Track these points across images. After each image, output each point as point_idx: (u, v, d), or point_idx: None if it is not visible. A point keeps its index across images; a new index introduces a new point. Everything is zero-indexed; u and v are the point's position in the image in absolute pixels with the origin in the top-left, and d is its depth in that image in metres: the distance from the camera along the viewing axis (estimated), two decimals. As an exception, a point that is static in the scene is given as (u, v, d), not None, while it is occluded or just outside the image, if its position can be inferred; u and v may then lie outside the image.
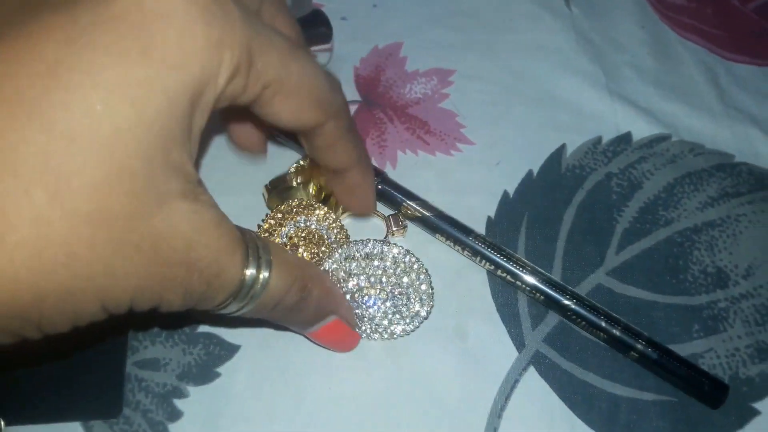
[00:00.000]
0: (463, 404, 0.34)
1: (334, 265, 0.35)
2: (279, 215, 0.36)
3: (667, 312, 0.37)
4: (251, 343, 0.35)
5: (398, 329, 0.35)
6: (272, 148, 0.40)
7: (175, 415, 0.33)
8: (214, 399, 0.33)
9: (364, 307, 0.35)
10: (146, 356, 0.34)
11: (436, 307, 0.36)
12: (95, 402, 0.32)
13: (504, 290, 0.37)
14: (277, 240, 0.36)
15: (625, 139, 0.43)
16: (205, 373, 0.34)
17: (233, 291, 0.24)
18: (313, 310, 0.30)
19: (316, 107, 0.25)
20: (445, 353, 0.35)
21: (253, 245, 0.24)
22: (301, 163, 0.38)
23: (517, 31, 0.47)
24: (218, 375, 0.34)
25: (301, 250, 0.36)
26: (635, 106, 0.44)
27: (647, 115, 0.44)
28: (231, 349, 0.35)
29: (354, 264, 0.35)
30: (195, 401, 0.33)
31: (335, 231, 0.36)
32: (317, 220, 0.36)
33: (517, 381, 0.35)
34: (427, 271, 0.36)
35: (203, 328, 0.35)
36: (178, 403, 0.33)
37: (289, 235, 0.36)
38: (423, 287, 0.35)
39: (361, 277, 0.35)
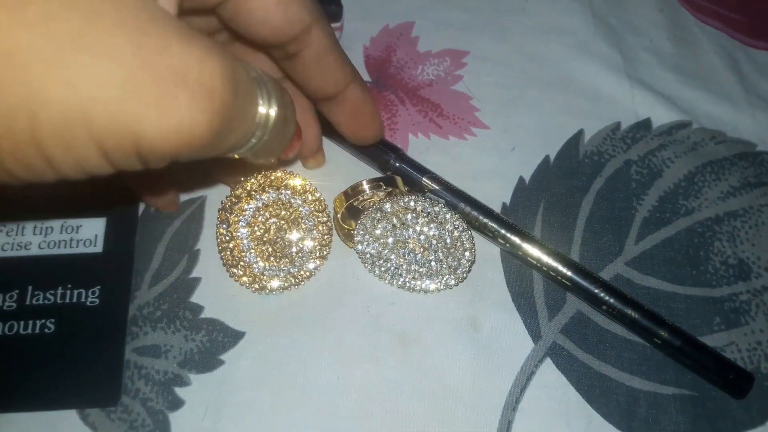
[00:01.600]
0: (477, 396, 0.33)
1: (393, 209, 0.34)
2: (262, 180, 0.35)
3: (688, 304, 0.36)
4: (256, 329, 0.33)
5: (431, 287, 0.35)
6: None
7: (176, 403, 0.31)
8: (217, 387, 0.32)
9: (409, 260, 0.35)
10: (146, 343, 0.32)
11: (449, 297, 0.35)
12: (92, 389, 0.31)
13: (519, 280, 0.36)
14: (252, 202, 0.34)
15: (644, 125, 0.41)
16: (207, 361, 0.33)
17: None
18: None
19: (299, 4, 0.23)
20: (459, 343, 0.34)
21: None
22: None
23: (532, 13, 0.46)
24: (221, 363, 0.33)
25: (273, 219, 0.35)
26: (654, 91, 0.43)
27: (667, 101, 0.42)
28: (235, 336, 0.33)
29: (410, 215, 0.34)
30: (197, 389, 0.32)
31: (315, 218, 0.35)
32: (303, 201, 0.35)
33: (533, 373, 0.33)
34: (474, 247, 0.35)
35: (206, 314, 0.34)
36: (179, 391, 0.32)
37: (266, 202, 0.35)
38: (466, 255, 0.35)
39: (411, 230, 0.34)
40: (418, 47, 0.43)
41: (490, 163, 0.39)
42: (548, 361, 0.34)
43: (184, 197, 0.36)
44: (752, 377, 0.33)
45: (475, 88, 0.42)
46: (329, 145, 0.38)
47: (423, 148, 0.40)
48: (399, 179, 0.35)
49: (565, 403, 0.33)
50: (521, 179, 0.39)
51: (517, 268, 0.36)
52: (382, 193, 0.34)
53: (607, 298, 0.34)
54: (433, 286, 0.34)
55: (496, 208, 0.38)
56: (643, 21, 0.46)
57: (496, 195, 0.38)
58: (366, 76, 0.42)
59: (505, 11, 0.45)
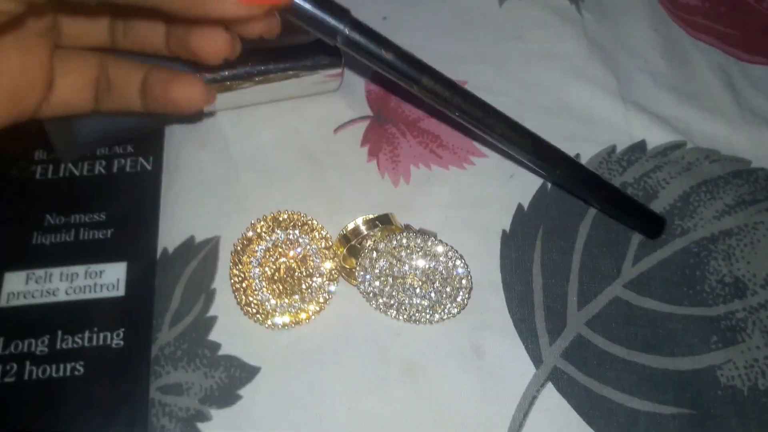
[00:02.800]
0: (482, 422, 0.34)
1: (387, 248, 0.36)
2: (271, 223, 0.37)
3: (685, 324, 0.37)
4: (271, 364, 0.35)
5: (435, 317, 0.36)
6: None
7: (199, 438, 0.34)
8: (237, 421, 0.34)
9: (410, 294, 0.36)
10: (169, 381, 0.35)
11: (453, 325, 0.36)
12: (120, 428, 0.33)
13: (521, 305, 0.37)
14: (262, 243, 0.37)
15: (639, 147, 0.43)
16: (226, 396, 0.34)
17: None
18: None
19: None
20: (463, 372, 0.35)
21: None
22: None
23: (527, 40, 0.47)
24: (240, 397, 0.34)
25: (283, 259, 0.37)
26: (649, 112, 0.44)
27: (661, 122, 0.43)
28: (251, 371, 0.35)
29: (404, 253, 0.36)
30: (218, 424, 0.34)
31: (323, 255, 0.37)
32: (310, 240, 0.37)
33: (535, 397, 0.35)
34: (469, 274, 0.37)
35: (224, 351, 0.36)
36: (202, 426, 0.34)
37: (276, 242, 0.37)
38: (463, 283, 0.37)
39: (407, 266, 0.36)
40: (417, 79, 0.45)
41: (489, 191, 0.41)
42: (549, 385, 0.35)
43: (199, 238, 0.38)
44: (664, 219, 0.38)
45: (474, 118, 0.44)
46: (337, 187, 0.40)
47: (425, 178, 0.41)
48: (394, 216, 0.37)
49: (567, 427, 0.34)
50: (520, 206, 0.41)
51: (518, 294, 0.38)
52: (378, 231, 0.36)
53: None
54: (437, 317, 0.36)
55: (496, 236, 0.39)
56: (638, 41, 0.48)
57: (495, 222, 0.40)
58: (368, 111, 0.44)
59: (502, 39, 0.47)
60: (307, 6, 0.28)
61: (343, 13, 0.29)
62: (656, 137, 0.43)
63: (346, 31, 0.29)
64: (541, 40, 0.47)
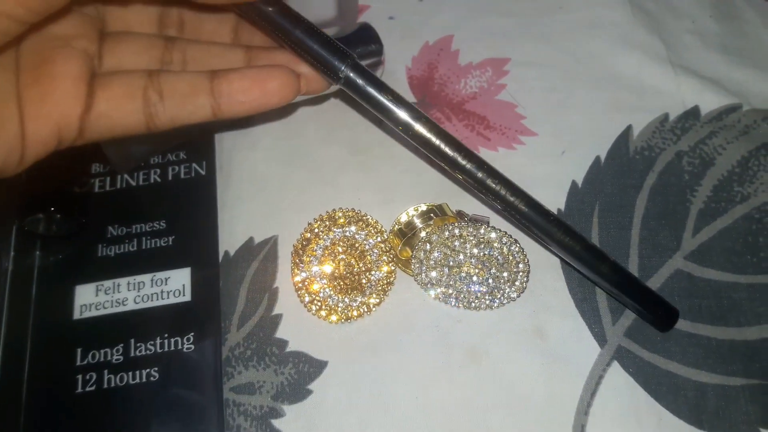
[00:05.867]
0: (549, 404, 0.35)
1: (440, 240, 0.36)
2: (327, 222, 0.38)
3: (750, 293, 0.37)
4: (338, 358, 0.36)
5: (495, 303, 0.37)
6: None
7: (275, 434, 0.35)
8: (309, 415, 0.35)
9: (467, 282, 0.36)
10: (241, 381, 0.36)
11: (513, 309, 0.36)
12: (198, 429, 0.34)
13: (581, 285, 0.37)
14: (320, 242, 0.37)
15: (692, 113, 0.42)
16: (297, 392, 0.35)
17: None
18: None
19: None
20: (527, 355, 0.36)
21: None
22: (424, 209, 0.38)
23: (569, 10, 0.46)
24: (310, 392, 0.35)
25: (341, 255, 0.37)
26: (700, 77, 0.43)
27: (714, 86, 0.42)
28: (319, 366, 0.36)
29: (458, 242, 0.36)
30: (291, 420, 0.35)
31: (380, 248, 0.37)
32: (366, 235, 0.37)
33: (601, 377, 0.35)
34: (526, 257, 0.37)
35: (291, 347, 0.36)
36: (276, 423, 0.35)
37: (333, 240, 0.37)
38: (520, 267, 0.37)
39: (462, 255, 0.36)
40: (459, 60, 0.45)
41: (541, 171, 0.41)
42: (615, 364, 0.35)
43: (258, 239, 0.39)
44: (677, 312, 0.35)
45: (519, 95, 0.43)
46: (386, 177, 0.40)
47: (474, 162, 0.41)
48: (447, 205, 0.37)
49: (635, 403, 0.34)
50: (574, 183, 0.40)
51: (578, 274, 0.38)
52: (432, 222, 0.36)
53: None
54: (496, 302, 0.36)
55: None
56: (683, 1, 0.46)
57: (550, 202, 0.39)
58: (411, 98, 0.43)
59: (543, 12, 0.46)
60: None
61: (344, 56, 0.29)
62: (710, 102, 0.42)
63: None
64: (583, 9, 0.46)
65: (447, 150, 0.31)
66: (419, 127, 0.31)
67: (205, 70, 0.29)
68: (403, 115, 0.30)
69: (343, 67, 0.29)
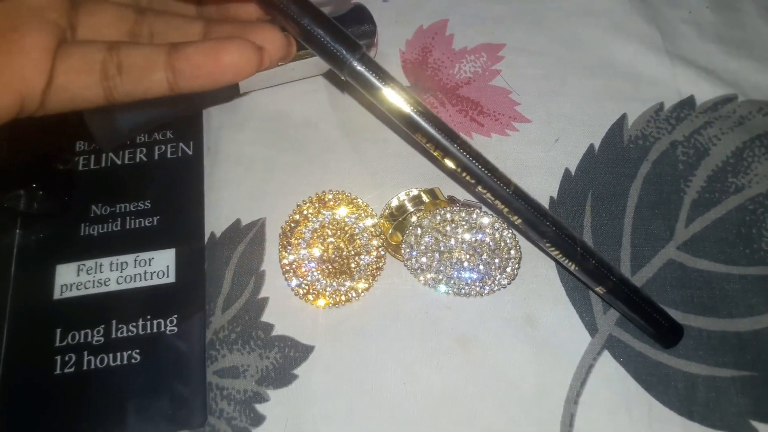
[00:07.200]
0: (539, 392, 0.34)
1: (431, 224, 0.36)
2: (317, 204, 0.37)
3: (743, 284, 0.36)
4: (324, 342, 0.35)
5: (485, 290, 0.36)
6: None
7: (258, 419, 0.34)
8: (294, 400, 0.34)
9: (458, 268, 0.36)
10: (225, 365, 0.35)
11: (504, 296, 0.36)
12: (180, 413, 0.34)
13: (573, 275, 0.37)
14: (309, 225, 0.37)
15: (688, 103, 0.41)
16: (282, 376, 0.35)
17: None
18: None
19: None
20: (517, 342, 0.35)
21: None
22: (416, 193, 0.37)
23: (565, -4, 0.45)
24: (295, 377, 0.35)
25: (331, 239, 0.36)
26: (696, 66, 0.42)
27: (710, 76, 0.42)
28: (305, 351, 0.35)
29: (449, 227, 0.36)
30: (276, 404, 0.34)
31: (369, 232, 0.37)
32: (356, 218, 0.36)
33: (591, 366, 0.35)
34: (518, 244, 0.36)
35: (277, 331, 0.36)
36: (260, 407, 0.34)
37: (323, 223, 0.36)
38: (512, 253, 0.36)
39: (453, 240, 0.36)
40: (453, 45, 0.44)
41: (534, 157, 0.40)
42: (606, 353, 0.35)
43: (245, 221, 0.38)
44: (682, 329, 0.35)
45: (514, 81, 0.42)
46: (377, 160, 0.40)
47: (467, 148, 0.40)
48: (439, 189, 0.36)
49: (625, 393, 0.34)
50: (567, 171, 0.40)
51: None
52: (423, 206, 0.36)
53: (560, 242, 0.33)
54: (487, 289, 0.36)
55: (544, 203, 0.38)
56: (681, -10, 0.46)
57: (542, 189, 0.39)
58: (404, 81, 0.43)
59: (538, -2, 0.45)
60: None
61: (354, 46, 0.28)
62: (705, 92, 0.41)
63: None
64: (579, -4, 0.45)
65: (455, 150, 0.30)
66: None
67: (165, 43, 0.28)
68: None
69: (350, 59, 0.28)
